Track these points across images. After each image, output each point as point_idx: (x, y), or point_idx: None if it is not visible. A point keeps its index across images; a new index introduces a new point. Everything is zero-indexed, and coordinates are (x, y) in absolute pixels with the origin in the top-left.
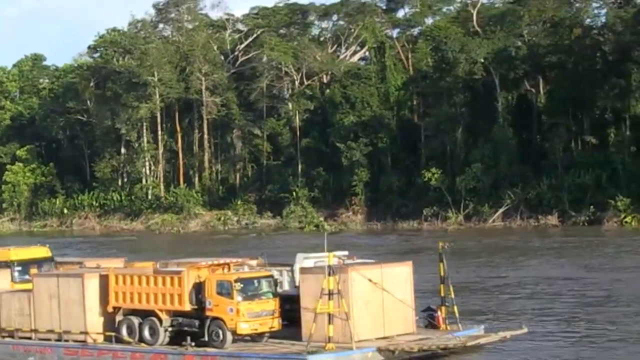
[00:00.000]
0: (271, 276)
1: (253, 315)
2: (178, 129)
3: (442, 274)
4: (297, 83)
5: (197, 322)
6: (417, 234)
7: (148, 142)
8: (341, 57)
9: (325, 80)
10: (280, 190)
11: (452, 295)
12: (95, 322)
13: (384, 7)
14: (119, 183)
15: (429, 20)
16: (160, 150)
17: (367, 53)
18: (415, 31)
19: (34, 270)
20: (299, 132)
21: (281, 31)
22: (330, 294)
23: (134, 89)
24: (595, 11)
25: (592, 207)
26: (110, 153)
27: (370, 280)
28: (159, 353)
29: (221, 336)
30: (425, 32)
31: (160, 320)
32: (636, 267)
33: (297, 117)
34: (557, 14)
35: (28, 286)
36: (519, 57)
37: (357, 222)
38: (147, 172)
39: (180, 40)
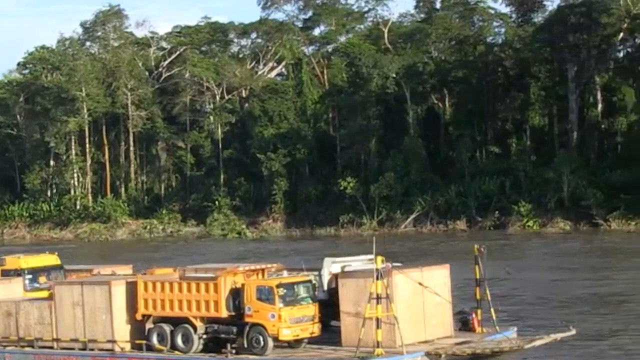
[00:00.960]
0: (310, 281)
1: (294, 321)
2: (105, 141)
3: (477, 276)
4: (218, 97)
5: (234, 329)
6: (335, 239)
7: (76, 154)
8: (259, 73)
9: (244, 95)
10: (203, 199)
11: (489, 298)
12: (122, 331)
13: (301, 26)
14: (48, 194)
15: (343, 38)
16: (88, 162)
17: (283, 69)
18: (330, 48)
19: (42, 279)
20: (221, 144)
21: (203, 48)
22: (378, 298)
23: (62, 103)
24: (496, 29)
25: (497, 212)
26: (40, 165)
27: (420, 284)
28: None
29: (262, 342)
30: (340, 49)
31: (195, 328)
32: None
33: (218, 130)
34: (462, 32)
35: (39, 294)
36: (427, 72)
37: (277, 229)
38: (76, 183)
39: (106, 57)
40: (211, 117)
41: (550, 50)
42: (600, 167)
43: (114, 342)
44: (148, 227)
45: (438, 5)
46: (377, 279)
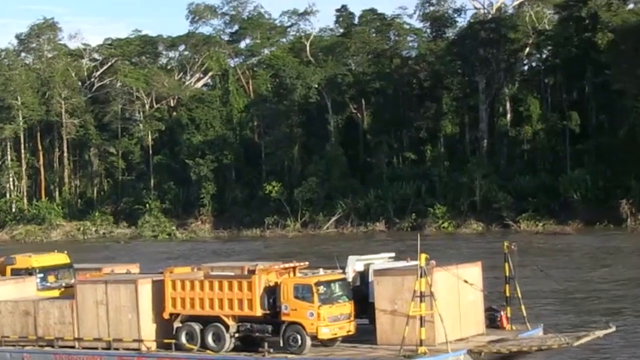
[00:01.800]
0: (345, 279)
1: (332, 319)
2: (40, 147)
3: (507, 274)
4: (147, 106)
5: (269, 328)
6: (261, 240)
7: (12, 159)
8: (186, 83)
9: (172, 104)
10: (134, 202)
11: (520, 295)
12: (148, 330)
13: (227, 39)
14: None
15: (267, 51)
16: (24, 167)
17: (209, 80)
18: (255, 60)
19: (51, 278)
20: (151, 150)
21: (133, 60)
22: (422, 295)
23: None
24: (411, 44)
25: (413, 214)
26: None
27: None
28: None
29: (299, 341)
30: (265, 61)
31: (227, 326)
32: None
33: (149, 137)
34: (379, 46)
35: (51, 294)
36: (346, 83)
37: (205, 230)
38: (11, 187)
39: (41, 67)
40: (141, 125)
41: (461, 63)
42: (510, 172)
43: (140, 341)
44: (82, 228)
45: (356, 21)
46: (421, 276)
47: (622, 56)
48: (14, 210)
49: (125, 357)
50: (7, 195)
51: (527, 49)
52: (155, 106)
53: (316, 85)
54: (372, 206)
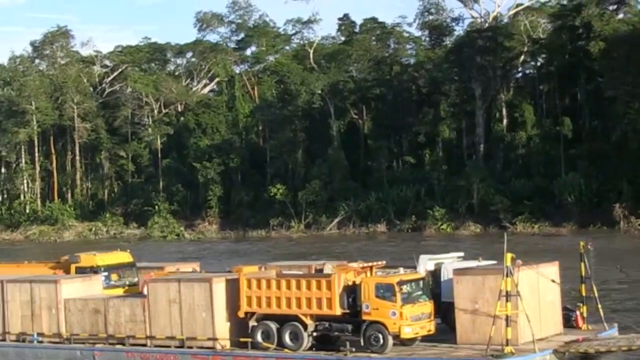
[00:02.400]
0: (425, 278)
1: (414, 319)
2: (53, 151)
3: (583, 273)
4: (156, 111)
5: (349, 327)
6: (266, 241)
7: (26, 162)
8: (193, 89)
9: (180, 109)
10: (143, 204)
11: (596, 295)
12: (223, 328)
13: (234, 46)
14: (0, 199)
15: (272, 58)
16: (37, 170)
17: (215, 86)
18: (261, 67)
19: (114, 276)
20: (160, 154)
21: (143, 66)
22: (507, 295)
23: (13, 116)
24: (410, 51)
25: (413, 216)
26: None
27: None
28: (311, 359)
29: (381, 341)
30: (270, 67)
31: (305, 325)
32: None
33: (157, 141)
34: (379, 53)
35: (115, 292)
36: (348, 89)
37: (212, 231)
38: (25, 189)
39: (54, 73)
40: (150, 129)
41: (458, 70)
42: (506, 176)
43: (215, 339)
44: (93, 229)
45: (358, 29)
46: (507, 276)
47: (615, 64)
48: (27, 211)
49: (200, 355)
50: (22, 196)
51: (522, 57)
52: (164, 111)
53: (319, 91)
54: (373, 208)
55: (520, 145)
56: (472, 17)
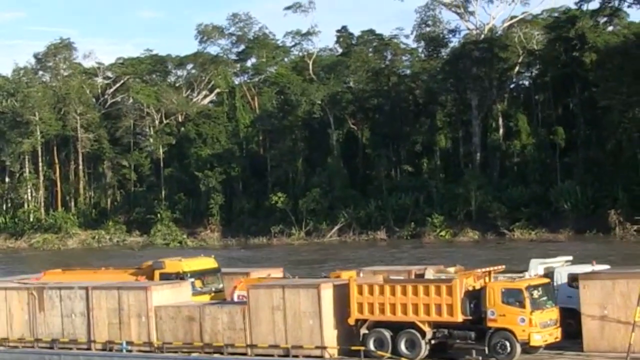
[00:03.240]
0: (550, 283)
1: (543, 325)
2: (56, 160)
3: None
4: (157, 122)
5: (472, 334)
6: (268, 248)
7: (30, 172)
8: (194, 100)
9: (180, 120)
10: (146, 212)
11: None
12: (331, 336)
13: (234, 58)
14: (4, 207)
15: (272, 69)
16: (41, 179)
17: (215, 97)
18: (261, 78)
19: (198, 283)
20: (162, 163)
21: (144, 78)
22: None
23: (17, 126)
24: (407, 63)
25: (412, 223)
26: None
27: None
28: None
29: (509, 348)
30: (270, 78)
31: (423, 333)
32: None
33: (159, 150)
34: (377, 64)
35: (202, 299)
36: (346, 100)
37: (214, 238)
38: (29, 197)
39: (57, 85)
40: (151, 139)
41: (454, 81)
42: (503, 184)
43: (323, 348)
44: (96, 237)
45: (355, 41)
46: None
47: (608, 74)
48: (31, 219)
49: None
50: (26, 205)
51: (517, 68)
52: (165, 121)
53: (319, 102)
54: (373, 216)
55: (516, 154)
56: (468, 29)
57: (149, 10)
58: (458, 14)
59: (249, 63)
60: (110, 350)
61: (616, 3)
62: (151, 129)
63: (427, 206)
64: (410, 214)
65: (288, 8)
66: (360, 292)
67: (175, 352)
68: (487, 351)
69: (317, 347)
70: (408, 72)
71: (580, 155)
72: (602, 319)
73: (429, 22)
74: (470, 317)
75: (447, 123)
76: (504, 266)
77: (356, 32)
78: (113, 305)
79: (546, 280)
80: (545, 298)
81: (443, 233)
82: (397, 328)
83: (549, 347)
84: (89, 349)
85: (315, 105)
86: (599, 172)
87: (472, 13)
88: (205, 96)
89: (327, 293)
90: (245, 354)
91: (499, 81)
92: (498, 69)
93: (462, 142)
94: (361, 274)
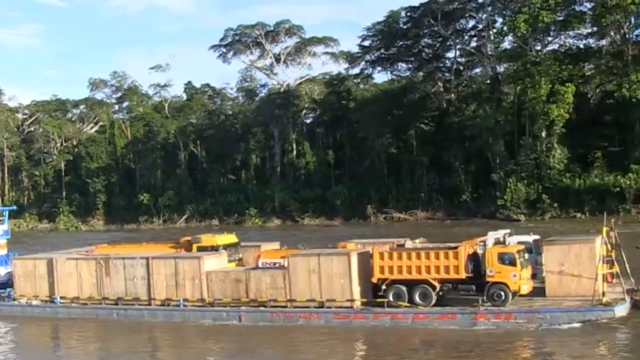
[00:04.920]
0: (527, 248)
1: (527, 279)
2: None
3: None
4: (59, 144)
5: (473, 287)
6: (137, 231)
7: None
8: (84, 129)
9: (75, 143)
10: (51, 207)
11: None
12: (356, 291)
13: (114, 101)
14: None
15: (141, 109)
16: None
17: (98, 128)
18: (133, 115)
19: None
20: (63, 173)
21: (51, 114)
22: (603, 258)
23: None
24: (230, 105)
25: (236, 214)
26: None
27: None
28: (447, 313)
29: (503, 296)
30: (139, 115)
31: (433, 287)
32: None
33: (61, 164)
34: (210, 107)
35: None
36: (190, 130)
37: (100, 225)
38: None
39: None
40: (55, 157)
41: (263, 118)
42: (296, 187)
43: (352, 300)
44: (17, 224)
45: (197, 90)
46: (605, 244)
47: (364, 115)
48: None
49: (340, 313)
50: None
51: (305, 111)
52: (64, 144)
53: (173, 132)
54: (209, 209)
55: (303, 168)
56: (273, 84)
57: (52, 69)
58: (266, 74)
59: (124, 105)
60: (168, 305)
61: (369, 71)
62: (55, 149)
63: (246, 202)
64: (235, 208)
65: (152, 68)
66: (382, 258)
67: (225, 306)
68: (485, 299)
69: (347, 300)
70: (231, 112)
71: (347, 168)
72: (560, 274)
73: (247, 79)
74: (470, 275)
75: (258, 146)
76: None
77: (197, 85)
78: (170, 271)
79: (524, 246)
80: (525, 259)
81: (257, 221)
82: (411, 284)
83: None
84: (149, 304)
85: (170, 134)
86: (360, 180)
87: (275, 74)
88: (92, 127)
89: (354, 259)
90: (285, 307)
91: (293, 119)
92: (293, 111)
93: (268, 160)
94: (359, 246)
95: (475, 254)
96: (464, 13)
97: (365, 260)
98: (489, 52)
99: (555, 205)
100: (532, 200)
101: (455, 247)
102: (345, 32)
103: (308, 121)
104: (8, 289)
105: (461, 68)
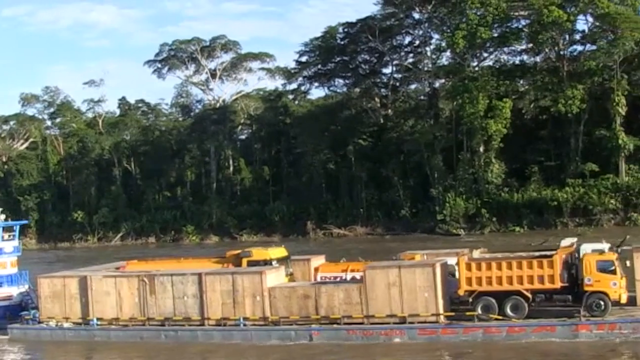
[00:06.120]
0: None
1: (624, 288)
2: None
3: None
4: None
5: (569, 297)
6: (72, 250)
7: None
8: (14, 146)
9: (4, 160)
10: None
11: None
12: (441, 305)
13: (47, 117)
14: None
15: (74, 125)
16: None
17: (28, 144)
18: (66, 131)
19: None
20: None
21: None
22: None
23: None
24: (165, 121)
25: (173, 232)
26: None
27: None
28: (545, 326)
29: (603, 306)
30: (73, 131)
31: (526, 298)
32: None
33: None
34: (145, 123)
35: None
36: (125, 147)
37: (32, 243)
38: None
39: None
40: None
41: (198, 134)
42: (233, 204)
43: (438, 315)
44: None
45: (131, 106)
46: None
47: (302, 131)
48: None
49: (427, 328)
50: None
51: (240, 126)
52: None
53: (107, 148)
54: (145, 226)
55: (240, 184)
56: (208, 100)
57: None
58: (202, 89)
59: (57, 120)
60: (225, 325)
61: (307, 87)
62: None
63: (182, 219)
64: (171, 225)
65: (86, 83)
66: (469, 269)
67: (290, 324)
68: (582, 310)
69: (432, 314)
70: (165, 128)
71: (285, 184)
72: None
73: (183, 95)
74: (566, 284)
75: (193, 163)
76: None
77: (132, 101)
78: (227, 287)
79: (617, 255)
80: (620, 268)
81: (194, 238)
82: (501, 296)
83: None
84: (202, 324)
85: (105, 150)
86: (298, 196)
87: (211, 89)
88: (22, 144)
89: (439, 270)
90: (361, 323)
91: (229, 135)
92: (229, 127)
93: (204, 176)
94: (425, 257)
95: (569, 262)
96: (401, 29)
97: (445, 272)
98: (426, 68)
99: (494, 219)
100: (471, 215)
101: (550, 256)
102: (274, 49)
103: (244, 137)
104: (32, 311)
105: (397, 84)
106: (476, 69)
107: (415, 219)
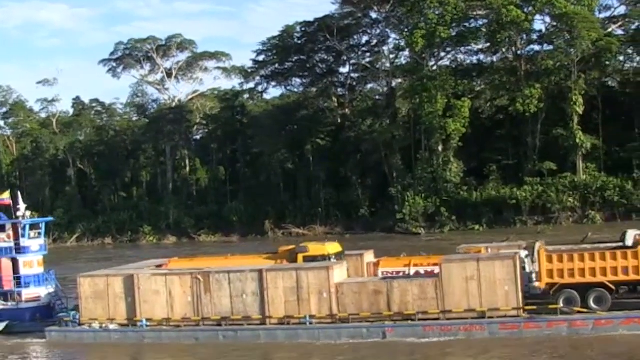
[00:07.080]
0: None
1: None
2: None
3: None
4: None
5: None
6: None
7: None
8: None
9: None
10: None
11: None
12: (520, 299)
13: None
14: None
15: (28, 125)
16: None
17: None
18: (20, 131)
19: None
20: None
21: None
22: None
23: None
24: (120, 121)
25: (130, 232)
26: None
27: None
28: (634, 317)
29: None
30: (26, 131)
31: (610, 290)
32: None
33: None
34: (99, 123)
35: None
36: (79, 147)
37: None
38: None
39: None
40: None
41: (154, 134)
42: (190, 204)
43: (519, 309)
44: None
45: (86, 106)
46: None
47: (260, 131)
48: None
49: (509, 323)
50: None
51: (196, 126)
52: None
53: (62, 148)
54: (101, 227)
55: (197, 184)
56: (164, 99)
57: None
58: (158, 89)
59: (10, 120)
60: (288, 323)
61: (264, 86)
62: None
63: (139, 220)
64: (128, 226)
65: (39, 82)
66: (550, 261)
67: (360, 321)
68: None
69: (514, 309)
70: (119, 128)
71: (243, 184)
72: None
73: (138, 94)
74: None
75: (149, 163)
76: None
77: (86, 100)
78: (290, 284)
79: None
80: None
81: (152, 238)
82: (584, 288)
83: None
84: (262, 323)
85: (59, 150)
86: (256, 195)
87: (167, 89)
88: None
89: (517, 263)
90: (437, 319)
91: (185, 135)
92: (185, 126)
93: (160, 176)
94: (489, 250)
95: None
96: (359, 29)
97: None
98: (384, 67)
99: (454, 218)
100: (430, 214)
101: (635, 247)
102: (227, 49)
103: (200, 137)
104: (72, 312)
105: (355, 83)
106: (434, 68)
107: (374, 218)
